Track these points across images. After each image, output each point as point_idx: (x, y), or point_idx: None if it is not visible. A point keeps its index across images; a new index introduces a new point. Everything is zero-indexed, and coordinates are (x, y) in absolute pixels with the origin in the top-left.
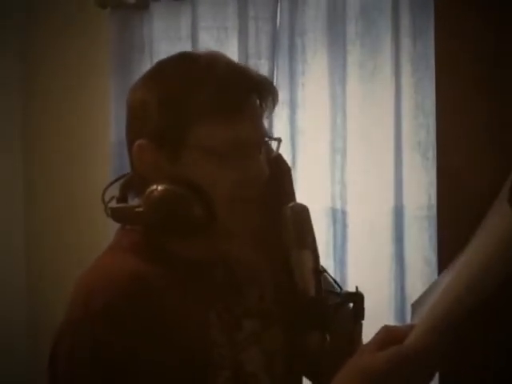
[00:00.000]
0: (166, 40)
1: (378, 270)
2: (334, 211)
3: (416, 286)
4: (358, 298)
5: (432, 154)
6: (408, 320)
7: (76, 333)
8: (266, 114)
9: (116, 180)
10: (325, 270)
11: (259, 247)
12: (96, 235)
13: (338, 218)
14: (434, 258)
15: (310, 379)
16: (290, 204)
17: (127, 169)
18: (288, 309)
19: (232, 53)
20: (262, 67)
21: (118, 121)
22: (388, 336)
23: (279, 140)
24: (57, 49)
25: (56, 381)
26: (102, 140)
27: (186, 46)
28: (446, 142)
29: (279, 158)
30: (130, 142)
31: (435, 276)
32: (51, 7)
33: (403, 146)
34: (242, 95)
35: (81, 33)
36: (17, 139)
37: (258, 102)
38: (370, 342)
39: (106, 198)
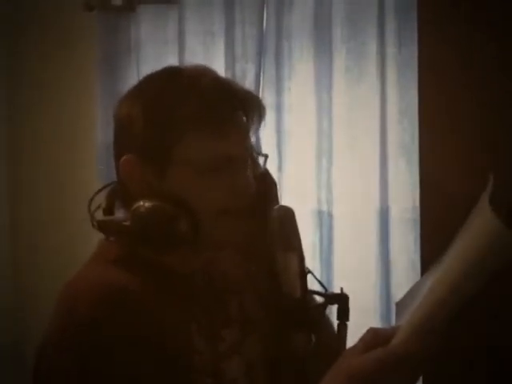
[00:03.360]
0: (152, 43)
1: (364, 271)
2: (320, 213)
3: (401, 288)
4: (342, 299)
5: (416, 157)
6: (393, 321)
7: (60, 343)
8: (252, 130)
9: (101, 189)
10: (310, 272)
11: (245, 254)
12: (83, 236)
13: (324, 220)
14: (418, 260)
15: None
16: (276, 207)
17: (113, 171)
18: (274, 311)
19: (218, 57)
20: (248, 71)
21: (104, 123)
22: (374, 338)
23: (266, 156)
24: (42, 51)
25: None
26: (88, 142)
27: (172, 50)
28: (428, 146)
29: (266, 173)
30: (117, 156)
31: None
32: (38, 8)
33: (388, 150)
34: (227, 111)
35: (67, 35)
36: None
37: (244, 117)
38: (356, 344)
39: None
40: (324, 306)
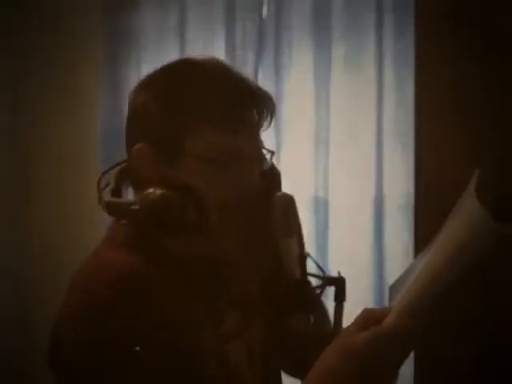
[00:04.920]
0: (153, 30)
1: (358, 257)
2: (316, 200)
3: (394, 274)
4: (339, 281)
5: (412, 146)
6: (386, 303)
7: (79, 324)
8: (263, 127)
9: (111, 168)
10: (309, 256)
11: (248, 240)
12: (85, 233)
13: (320, 207)
14: (412, 246)
15: (291, 368)
16: (278, 194)
17: (114, 159)
18: (274, 292)
19: (219, 45)
20: (247, 60)
21: (106, 110)
22: (368, 318)
23: (273, 152)
24: (46, 41)
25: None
26: (90, 133)
27: (173, 38)
28: (424, 135)
29: (273, 168)
30: (129, 144)
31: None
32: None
33: (384, 138)
34: (240, 107)
35: (71, 24)
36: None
37: (256, 114)
38: (351, 324)
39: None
40: (322, 287)
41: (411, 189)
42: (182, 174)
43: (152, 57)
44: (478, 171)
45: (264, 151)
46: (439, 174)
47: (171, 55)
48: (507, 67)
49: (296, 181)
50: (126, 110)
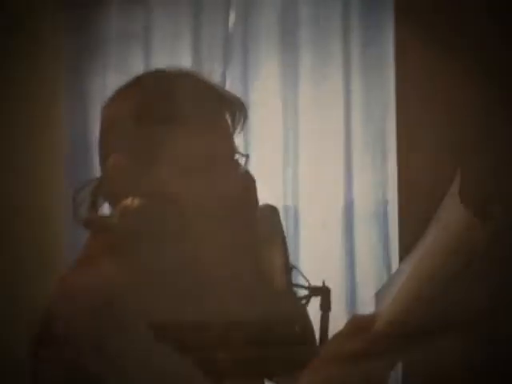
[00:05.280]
0: (118, 40)
1: (329, 265)
2: (286, 208)
3: (365, 281)
4: (324, 291)
5: (381, 153)
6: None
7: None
8: (237, 131)
9: (84, 185)
10: (295, 267)
11: (231, 251)
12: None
13: (290, 215)
14: (382, 254)
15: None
16: (261, 205)
17: (78, 169)
18: (259, 305)
19: (185, 56)
20: (214, 72)
21: (69, 121)
22: (357, 325)
23: (247, 156)
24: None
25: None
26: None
27: (137, 49)
28: (405, 141)
29: (247, 172)
30: (103, 154)
31: (384, 271)
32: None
33: (353, 146)
34: (214, 112)
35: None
36: None
37: (229, 118)
38: (341, 330)
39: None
40: (308, 298)
41: (380, 196)
42: (159, 182)
43: (117, 65)
44: (459, 176)
45: (238, 155)
46: (420, 180)
47: (136, 64)
48: (489, 65)
49: (265, 190)
50: (90, 120)
